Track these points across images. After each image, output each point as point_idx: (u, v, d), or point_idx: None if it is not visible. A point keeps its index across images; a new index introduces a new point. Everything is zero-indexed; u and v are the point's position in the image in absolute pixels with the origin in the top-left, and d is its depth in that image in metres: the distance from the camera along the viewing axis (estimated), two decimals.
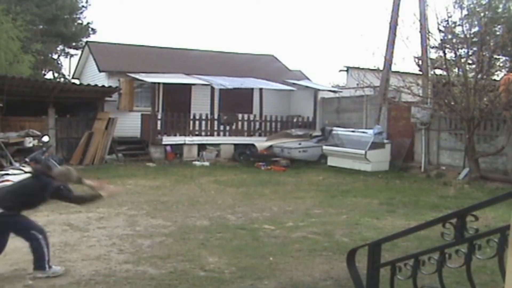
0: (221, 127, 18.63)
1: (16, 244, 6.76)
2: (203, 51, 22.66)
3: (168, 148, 17.38)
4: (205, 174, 14.43)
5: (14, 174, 9.39)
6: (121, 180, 12.93)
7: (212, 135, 18.38)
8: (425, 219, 7.68)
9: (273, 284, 5.34)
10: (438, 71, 13.95)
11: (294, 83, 19.90)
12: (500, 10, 19.76)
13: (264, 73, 20.83)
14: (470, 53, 12.73)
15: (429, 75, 13.44)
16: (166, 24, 60.43)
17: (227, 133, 18.63)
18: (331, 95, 19.83)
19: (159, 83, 18.05)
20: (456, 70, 13.19)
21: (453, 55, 13.20)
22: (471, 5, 15.25)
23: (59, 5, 30.77)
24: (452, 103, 12.57)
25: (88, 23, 33.56)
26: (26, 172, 9.60)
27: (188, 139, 17.66)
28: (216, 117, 18.59)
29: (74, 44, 33.47)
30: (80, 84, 18.95)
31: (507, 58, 14.19)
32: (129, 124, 18.16)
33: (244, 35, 62.10)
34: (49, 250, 5.55)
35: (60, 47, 33.64)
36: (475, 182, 12.17)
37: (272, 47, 66.88)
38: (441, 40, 13.02)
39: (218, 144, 18.07)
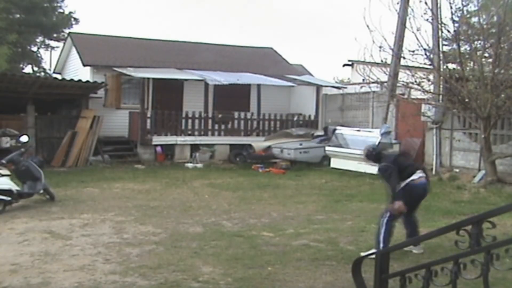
0: (216, 126, 18.63)
1: None
2: (197, 44, 22.67)
3: (159, 148, 17.36)
4: (199, 176, 14.43)
5: None
6: (107, 183, 12.93)
7: (206, 134, 18.38)
8: (437, 226, 7.68)
9: None
10: (451, 65, 13.95)
11: (294, 79, 19.92)
12: None
13: (262, 67, 20.85)
14: (486, 46, 12.73)
15: (441, 69, 13.43)
16: (156, 15, 60.46)
17: (222, 133, 18.64)
18: (335, 91, 19.86)
19: (148, 79, 18.04)
20: (471, 64, 13.18)
21: (468, 48, 13.20)
22: None
23: None
24: (466, 100, 12.56)
25: (70, 12, 33.51)
26: (2, 175, 9.58)
27: (180, 139, 17.65)
28: (210, 115, 18.59)
29: (55, 35, 33.42)
30: (62, 79, 18.93)
31: None
32: (116, 123, 18.16)
33: (241, 27, 62.15)
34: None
35: (40, 38, 33.58)
36: (492, 186, 12.17)
37: (271, 40, 67.00)
38: (454, 31, 13.00)
39: (213, 145, 18.08)
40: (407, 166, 6.79)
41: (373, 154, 7.09)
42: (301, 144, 16.95)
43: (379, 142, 14.86)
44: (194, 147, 17.70)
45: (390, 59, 14.80)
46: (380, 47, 12.96)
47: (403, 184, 6.64)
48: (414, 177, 6.69)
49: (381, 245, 6.52)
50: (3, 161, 10.01)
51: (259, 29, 65.96)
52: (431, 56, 13.22)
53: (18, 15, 30.65)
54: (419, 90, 13.48)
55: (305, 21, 68.25)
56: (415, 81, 13.29)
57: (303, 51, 64.03)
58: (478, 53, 12.63)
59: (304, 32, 68.08)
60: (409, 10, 13.68)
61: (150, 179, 13.74)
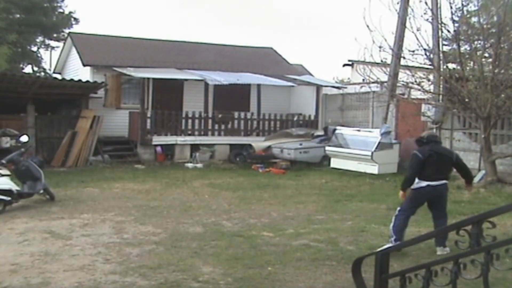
0: (216, 126, 18.63)
1: None
2: (197, 44, 22.66)
3: (159, 148, 17.36)
4: (199, 176, 14.43)
5: None
6: (107, 183, 12.92)
7: (206, 134, 18.37)
8: None
9: None
10: (451, 65, 13.95)
11: (294, 79, 19.91)
12: None
13: (262, 67, 20.85)
14: (486, 46, 12.72)
15: (441, 69, 13.43)
16: (156, 15, 60.44)
17: (222, 133, 18.63)
18: (335, 91, 19.86)
19: (148, 78, 18.04)
20: (471, 64, 13.17)
21: (468, 48, 13.19)
22: None
23: None
24: (466, 100, 12.56)
25: (70, 12, 33.47)
26: (2, 175, 9.58)
27: (180, 139, 17.65)
28: (210, 115, 18.59)
29: (55, 35, 33.38)
30: (62, 79, 18.92)
31: None
32: (116, 123, 18.16)
33: (241, 27, 62.13)
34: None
35: (40, 38, 33.56)
36: (492, 186, 12.17)
37: (271, 40, 67.00)
38: (454, 31, 13.00)
39: (213, 145, 18.07)
40: (432, 168, 6.81)
41: (423, 137, 7.17)
42: (301, 144, 16.95)
43: (380, 142, 14.89)
44: (194, 147, 17.70)
45: (390, 59, 14.81)
46: (380, 47, 12.96)
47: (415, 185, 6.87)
48: (423, 183, 6.81)
49: (393, 237, 6.76)
50: (3, 161, 10.01)
51: (259, 29, 65.95)
52: (431, 56, 13.21)
53: (18, 15, 30.59)
54: (419, 90, 13.48)
55: (305, 21, 68.26)
56: (415, 81, 13.29)
57: (303, 51, 64.06)
58: (478, 53, 12.62)
59: (304, 32, 68.08)
60: (409, 10, 13.67)
61: (150, 179, 13.74)
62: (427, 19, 13.16)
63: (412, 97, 14.67)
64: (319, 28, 66.79)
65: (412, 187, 6.93)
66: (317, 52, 65.37)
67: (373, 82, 14.18)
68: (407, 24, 13.21)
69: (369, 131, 15.80)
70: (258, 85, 19.45)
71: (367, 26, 12.56)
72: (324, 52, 64.54)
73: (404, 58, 14.62)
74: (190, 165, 16.60)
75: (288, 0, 66.28)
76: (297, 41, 63.16)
